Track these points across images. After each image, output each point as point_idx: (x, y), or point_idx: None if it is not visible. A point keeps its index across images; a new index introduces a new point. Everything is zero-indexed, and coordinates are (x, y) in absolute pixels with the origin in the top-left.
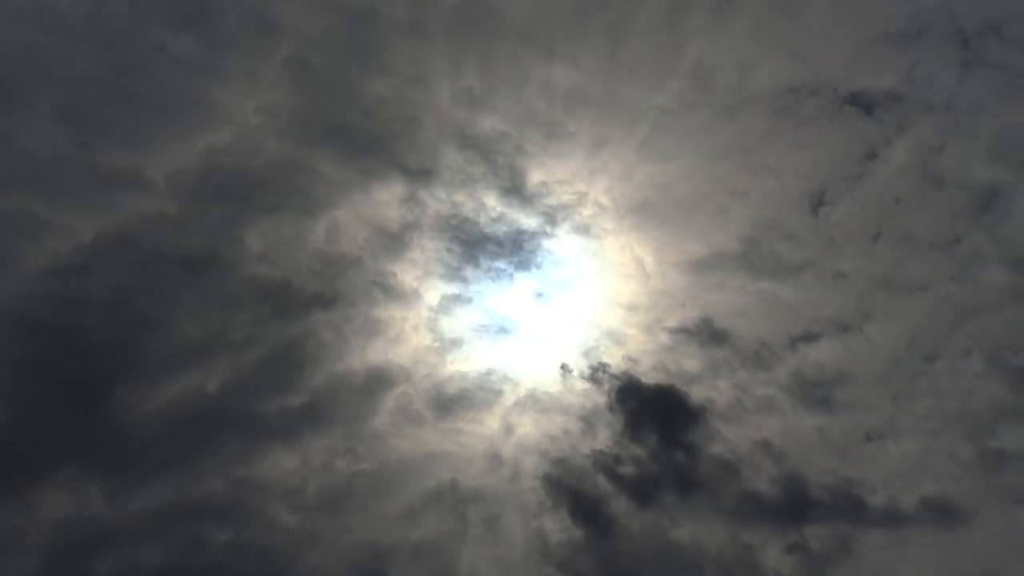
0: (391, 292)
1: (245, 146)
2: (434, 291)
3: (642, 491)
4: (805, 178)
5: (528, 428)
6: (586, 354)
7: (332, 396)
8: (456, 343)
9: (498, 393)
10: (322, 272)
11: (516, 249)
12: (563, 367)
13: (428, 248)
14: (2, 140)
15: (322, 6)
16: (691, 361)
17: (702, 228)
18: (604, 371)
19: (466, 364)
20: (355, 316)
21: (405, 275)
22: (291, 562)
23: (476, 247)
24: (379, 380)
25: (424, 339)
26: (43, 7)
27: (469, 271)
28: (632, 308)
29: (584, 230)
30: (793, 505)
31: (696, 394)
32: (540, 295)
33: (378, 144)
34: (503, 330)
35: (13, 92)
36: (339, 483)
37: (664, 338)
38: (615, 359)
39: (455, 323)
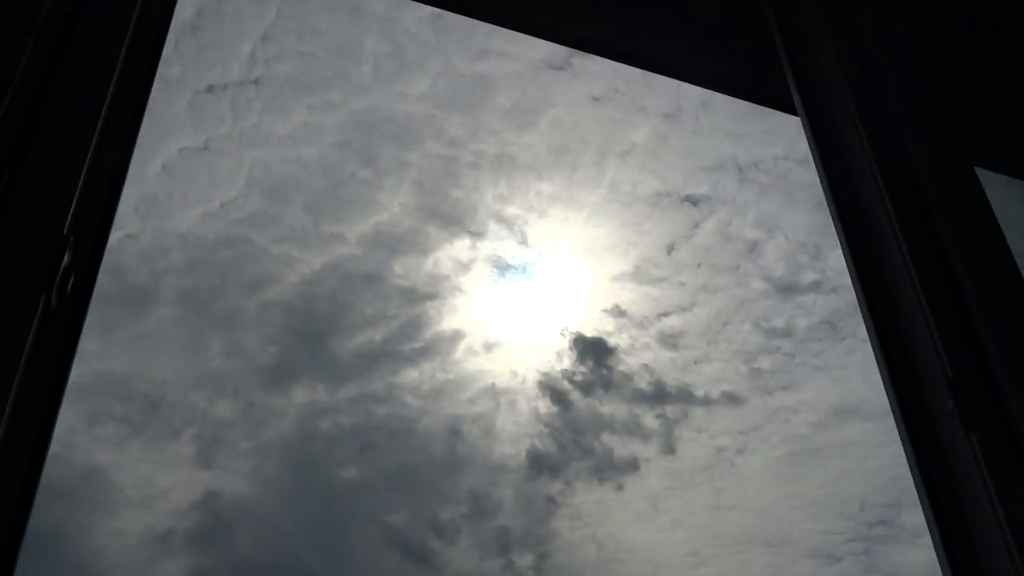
0: (464, 291)
1: (392, 222)
2: (483, 292)
3: (585, 390)
4: (663, 236)
5: (529, 359)
6: (557, 322)
7: (434, 342)
8: (493, 318)
9: (514, 342)
10: (429, 281)
11: (524, 271)
12: (545, 329)
13: (481, 271)
14: (277, 219)
15: (430, 155)
16: (609, 326)
17: (615, 261)
18: (567, 331)
19: (498, 329)
20: (445, 304)
21: (469, 284)
22: (415, 423)
23: (504, 269)
24: (456, 335)
25: (479, 317)
26: (296, 155)
27: (500, 283)
28: (582, 300)
29: (560, 260)
30: (658, 395)
31: (611, 341)
32: (536, 294)
33: (456, 221)
34: (516, 314)
35: (282, 196)
36: (438, 385)
37: (597, 314)
38: (572, 324)
39: (493, 308)
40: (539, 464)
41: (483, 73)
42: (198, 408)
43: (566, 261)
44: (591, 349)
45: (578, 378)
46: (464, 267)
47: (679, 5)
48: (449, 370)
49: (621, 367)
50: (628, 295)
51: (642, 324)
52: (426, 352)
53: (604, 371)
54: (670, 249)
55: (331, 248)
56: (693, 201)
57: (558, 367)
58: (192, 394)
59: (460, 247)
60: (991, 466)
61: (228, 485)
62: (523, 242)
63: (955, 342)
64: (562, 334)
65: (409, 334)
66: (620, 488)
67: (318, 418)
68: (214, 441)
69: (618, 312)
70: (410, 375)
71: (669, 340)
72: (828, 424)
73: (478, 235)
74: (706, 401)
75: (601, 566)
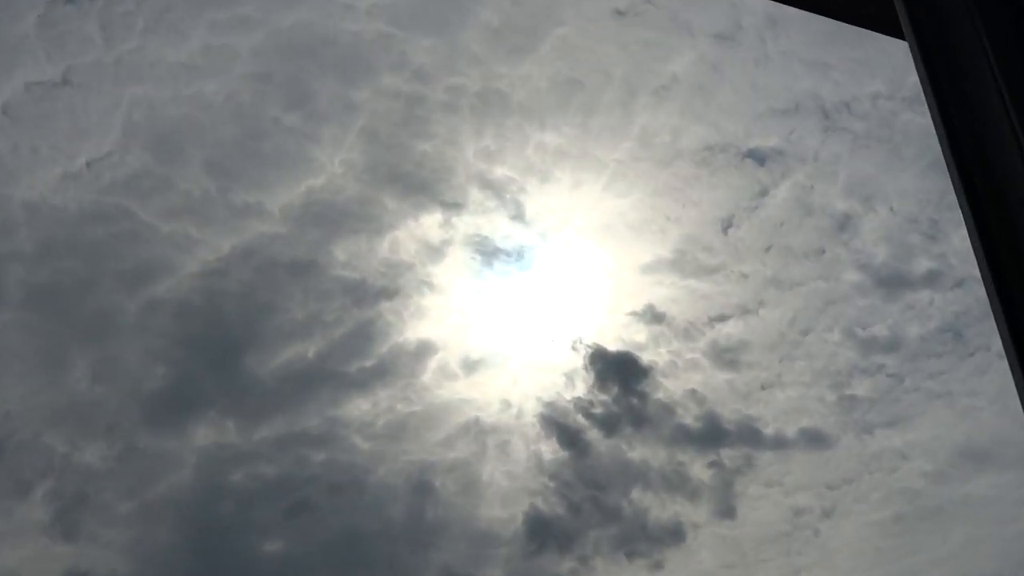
0: (433, 288)
1: (333, 187)
2: (462, 287)
3: (607, 425)
4: (718, 208)
5: (528, 382)
6: (569, 330)
7: (394, 360)
8: (477, 324)
9: (507, 358)
10: (387, 274)
11: (519, 258)
12: (552, 340)
13: (459, 257)
14: (168, 184)
15: (386, 93)
16: (640, 335)
17: (647, 243)
18: (581, 342)
19: (485, 338)
20: (410, 304)
21: (442, 276)
22: (366, 474)
23: (492, 256)
24: (426, 348)
25: (456, 321)
26: (195, 93)
27: (487, 273)
28: (601, 298)
29: (567, 244)
30: (711, 434)
31: (645, 358)
32: (537, 290)
33: (424, 186)
34: (510, 315)
35: (175, 151)
36: (399, 420)
37: (623, 319)
38: (588, 334)
39: (477, 310)
40: (542, 533)
41: None
42: (56, 453)
43: (578, 244)
44: (615, 369)
45: (597, 410)
46: (435, 252)
47: None
48: (414, 399)
49: (658, 394)
50: (666, 292)
51: (687, 333)
52: (381, 374)
53: (634, 400)
54: (726, 226)
55: (245, 225)
56: (758, 158)
57: (568, 395)
58: (48, 434)
59: (429, 224)
60: None
61: (98, 564)
62: (518, 217)
63: None
64: (574, 348)
65: (357, 348)
66: (658, 567)
67: (228, 467)
68: (78, 500)
69: (653, 316)
70: (359, 406)
71: (725, 356)
72: (950, 475)
73: (454, 207)
74: (778, 443)
75: None
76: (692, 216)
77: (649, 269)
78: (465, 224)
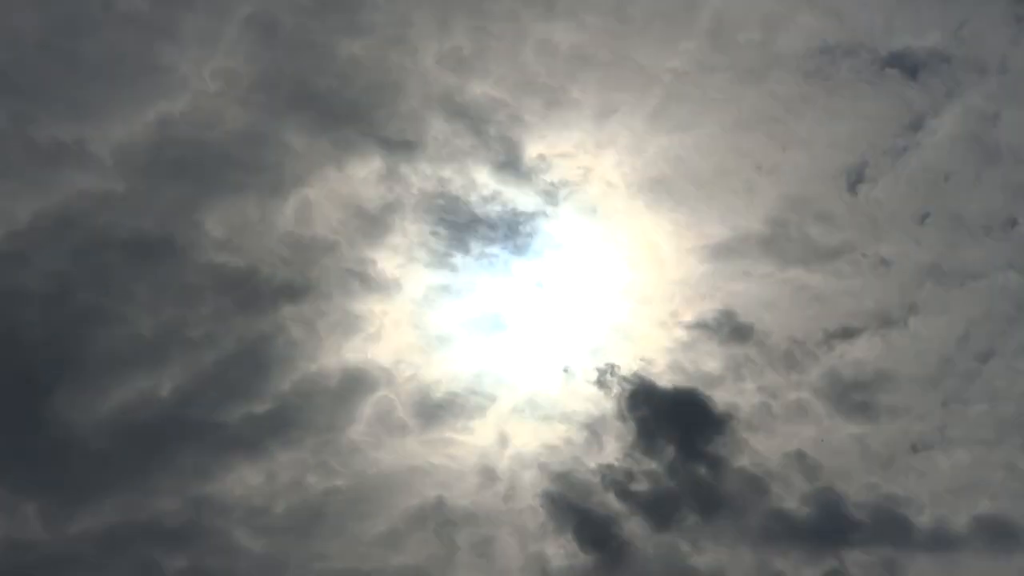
0: (369, 282)
1: (202, 116)
2: (418, 281)
3: (657, 510)
4: (841, 150)
5: (526, 439)
6: (593, 353)
7: (303, 402)
8: (444, 340)
9: (492, 398)
10: (291, 259)
11: (512, 233)
12: (566, 369)
13: (411, 232)
14: None
15: None
16: (712, 361)
17: (724, 208)
18: (613, 373)
19: (455, 365)
20: (329, 310)
21: (385, 263)
22: None
23: (466, 230)
24: (356, 383)
25: (407, 336)
26: None
27: (458, 258)
28: (645, 300)
29: (590, 211)
30: (829, 526)
31: (719, 398)
32: (540, 286)
33: (354, 113)
34: (497, 326)
35: None
36: (310, 502)
37: (682, 334)
38: (626, 359)
39: (442, 318)
40: None
41: None
42: None
43: (608, 209)
44: (670, 417)
45: (640, 485)
46: (372, 223)
47: None
48: (337, 467)
49: (742, 460)
50: (755, 289)
51: (789, 358)
52: (282, 426)
53: (702, 469)
54: (855, 180)
55: (55, 178)
56: (907, 66)
57: (592, 459)
58: None
59: (362, 176)
60: None
61: None
62: (509, 165)
63: None
64: (602, 381)
65: (242, 383)
66: None
67: None
68: None
69: (732, 329)
70: (245, 479)
71: (852, 396)
72: None
73: (403, 148)
74: (941, 539)
75: None
76: (798, 163)
77: (726, 251)
78: (422, 177)
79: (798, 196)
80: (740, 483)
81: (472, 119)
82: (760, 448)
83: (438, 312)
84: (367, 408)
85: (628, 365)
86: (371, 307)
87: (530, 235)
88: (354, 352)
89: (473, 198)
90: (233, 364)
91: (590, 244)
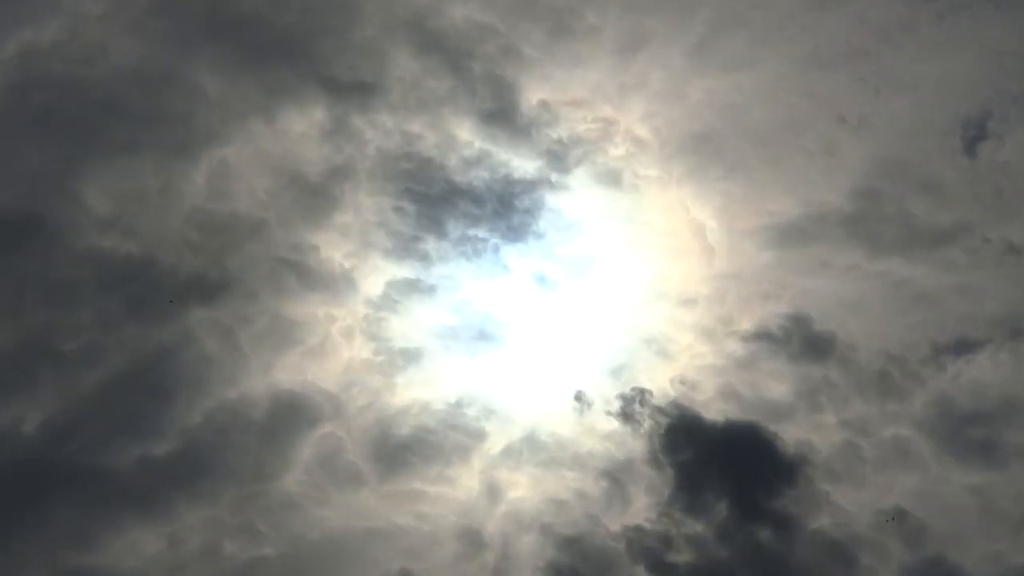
0: (309, 277)
1: (81, 48)
2: (376, 275)
3: None
4: (955, 96)
5: (524, 490)
6: (614, 374)
7: (218, 441)
8: (411, 357)
9: (477, 436)
10: (202, 245)
11: (504, 209)
12: (578, 395)
13: (366, 207)
14: None
15: None
16: (779, 385)
17: (793, 175)
18: (642, 401)
19: (427, 390)
20: (254, 314)
21: (331, 250)
22: None
23: (441, 205)
24: (292, 415)
25: (361, 350)
26: None
27: (431, 243)
28: (687, 301)
29: (611, 179)
30: None
31: (788, 436)
32: (542, 281)
33: (288, 45)
34: (484, 336)
35: None
36: (232, 572)
37: (736, 348)
38: (659, 382)
39: (409, 325)
40: None
41: None
42: None
43: (633, 175)
44: (721, 459)
45: (681, 555)
46: (312, 190)
47: None
48: (264, 530)
49: (820, 520)
50: (835, 285)
51: (885, 381)
52: (191, 474)
53: (764, 532)
54: (975, 135)
55: None
56: None
57: (615, 519)
58: None
59: (297, 124)
60: None
61: None
62: (500, 114)
63: None
64: (628, 412)
65: (134, 412)
66: None
67: None
68: None
69: (807, 340)
70: (140, 544)
71: (971, 432)
72: None
73: (356, 90)
74: None
75: None
76: (896, 114)
77: (796, 235)
78: (381, 132)
79: (896, 159)
80: (818, 552)
81: (450, 53)
82: (845, 504)
83: (404, 318)
84: (306, 449)
85: (663, 391)
86: (312, 310)
87: (529, 212)
88: (289, 372)
89: (452, 161)
90: (123, 388)
91: (611, 225)
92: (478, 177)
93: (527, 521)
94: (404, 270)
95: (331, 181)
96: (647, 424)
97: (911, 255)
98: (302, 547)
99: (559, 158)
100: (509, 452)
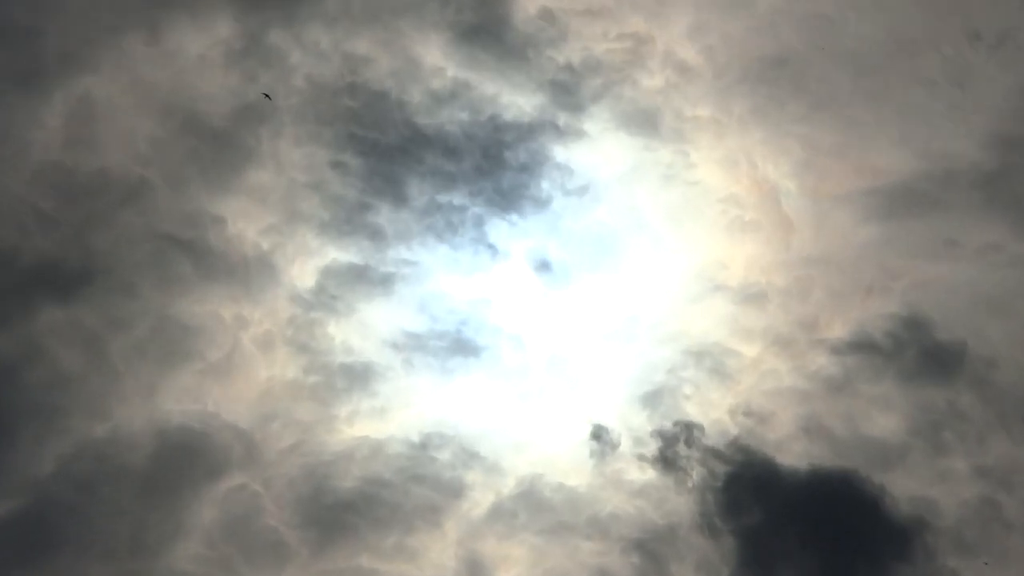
0: (210, 262)
1: None
2: (306, 259)
3: None
4: None
5: (520, 569)
6: (648, 402)
7: (78, 499)
8: (357, 377)
9: (453, 490)
10: (57, 216)
11: (491, 165)
12: (596, 431)
13: (292, 161)
14: None
15: None
16: (886, 417)
17: (908, 116)
18: (690, 440)
19: (380, 425)
20: (130, 316)
21: (242, 223)
22: None
23: (400, 159)
24: (185, 461)
25: (285, 368)
26: None
27: (384, 214)
28: (753, 297)
29: (644, 122)
30: None
31: (900, 491)
32: (546, 269)
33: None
34: (463, 348)
35: None
36: None
37: (825, 364)
38: (714, 413)
39: (354, 332)
40: None
41: None
42: None
43: (673, 117)
44: (798, 517)
45: None
46: (247, 153)
47: None
48: None
49: None
50: (948, 271)
51: None
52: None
53: None
54: None
55: None
56: None
57: None
58: None
59: (189, 38)
60: None
61: None
62: (482, 31)
63: None
64: (668, 455)
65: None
66: None
67: None
68: None
69: (912, 345)
70: None
71: None
72: None
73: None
74: None
75: None
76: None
77: (908, 201)
78: (312, 52)
79: None
80: None
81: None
82: None
83: (346, 321)
84: (207, 510)
85: (719, 425)
86: (214, 310)
87: (526, 170)
88: (182, 399)
89: (414, 96)
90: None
91: (643, 188)
92: (452, 119)
93: None
94: (346, 253)
95: (241, 125)
96: (697, 473)
97: None
98: None
99: (569, 92)
100: (498, 513)
